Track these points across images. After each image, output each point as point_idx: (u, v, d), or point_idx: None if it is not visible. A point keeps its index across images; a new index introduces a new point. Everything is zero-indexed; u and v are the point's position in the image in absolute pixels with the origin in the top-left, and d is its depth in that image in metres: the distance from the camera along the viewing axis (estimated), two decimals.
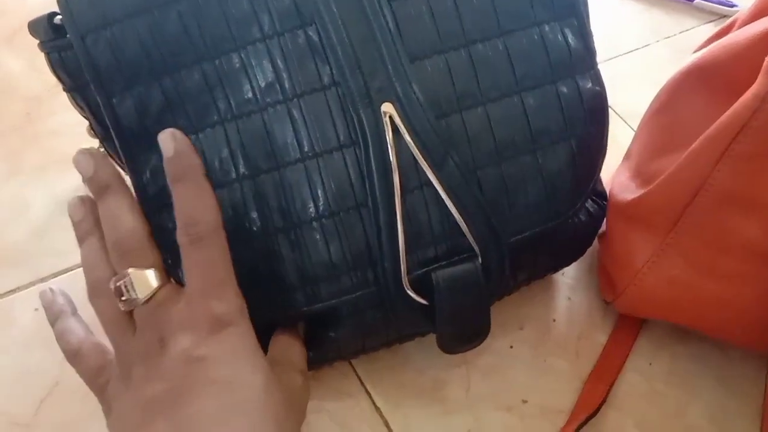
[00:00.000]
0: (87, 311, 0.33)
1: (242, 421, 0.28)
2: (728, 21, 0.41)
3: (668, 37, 0.63)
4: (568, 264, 0.43)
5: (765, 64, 0.32)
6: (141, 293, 0.31)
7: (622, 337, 0.42)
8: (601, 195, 0.42)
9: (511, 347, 0.41)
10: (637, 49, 0.62)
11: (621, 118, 0.54)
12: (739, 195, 0.34)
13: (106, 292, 0.31)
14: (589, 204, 0.41)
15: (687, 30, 0.64)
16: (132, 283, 0.31)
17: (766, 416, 0.37)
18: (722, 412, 0.40)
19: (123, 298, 0.31)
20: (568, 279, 0.45)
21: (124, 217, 0.32)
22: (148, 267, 0.31)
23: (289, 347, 0.35)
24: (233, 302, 0.31)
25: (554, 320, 0.43)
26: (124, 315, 0.31)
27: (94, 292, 0.32)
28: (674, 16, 0.66)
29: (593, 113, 0.36)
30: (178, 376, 0.29)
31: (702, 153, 0.34)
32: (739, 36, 0.36)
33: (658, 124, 0.40)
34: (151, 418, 0.28)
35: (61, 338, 0.34)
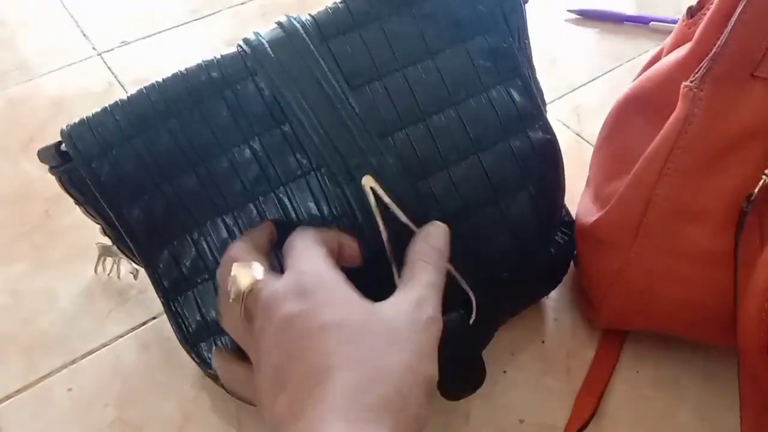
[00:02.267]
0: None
1: (357, 356, 0.28)
2: (657, 49, 0.45)
3: (629, 60, 0.67)
4: (547, 293, 0.47)
5: (681, 89, 0.36)
6: (243, 284, 0.32)
7: (608, 350, 0.46)
8: (569, 225, 0.45)
9: (505, 372, 0.45)
10: (600, 75, 0.65)
11: (590, 144, 0.58)
12: (681, 207, 0.37)
13: (224, 297, 0.34)
14: (558, 236, 0.44)
15: (646, 52, 0.67)
16: (236, 277, 0.32)
17: (743, 407, 0.40)
18: (711, 409, 0.44)
19: (232, 296, 0.33)
20: (553, 301, 0.49)
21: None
22: (249, 264, 0.33)
23: (419, 263, 0.35)
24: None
25: (543, 342, 0.47)
26: (243, 318, 0.33)
27: (221, 306, 0.35)
28: (633, 40, 0.70)
29: (546, 160, 0.40)
30: (284, 342, 0.29)
31: (644, 173, 0.38)
32: (663, 64, 0.40)
33: (608, 150, 0.44)
34: (279, 386, 0.29)
35: None
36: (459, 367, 0.39)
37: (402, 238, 0.36)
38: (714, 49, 0.34)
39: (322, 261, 0.33)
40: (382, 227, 0.36)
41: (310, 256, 0.33)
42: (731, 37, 0.34)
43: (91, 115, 0.36)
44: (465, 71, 0.38)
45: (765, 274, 0.34)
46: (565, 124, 0.62)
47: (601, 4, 0.74)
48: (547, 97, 0.64)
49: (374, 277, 0.36)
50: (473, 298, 0.38)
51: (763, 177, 0.35)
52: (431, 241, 0.35)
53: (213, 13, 0.75)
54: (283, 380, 0.28)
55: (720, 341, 0.42)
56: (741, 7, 0.33)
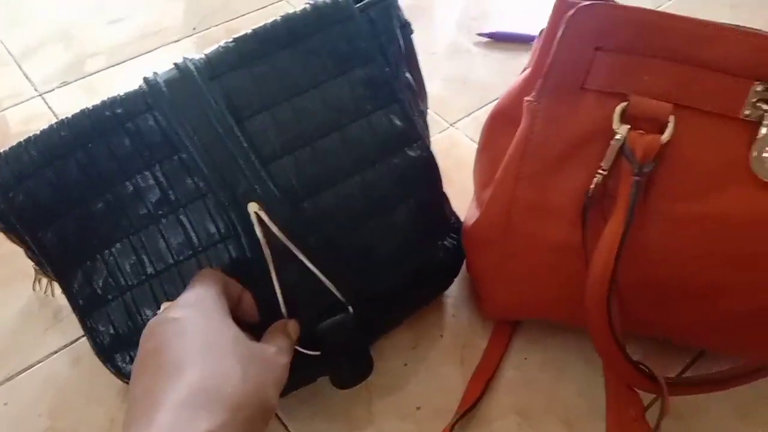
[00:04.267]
0: None
1: (211, 360, 0.33)
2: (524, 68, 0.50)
3: None
4: (441, 292, 0.52)
5: (524, 103, 0.41)
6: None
7: (498, 339, 0.51)
8: (457, 231, 0.51)
9: (406, 365, 0.50)
10: None
11: None
12: (538, 206, 0.43)
13: None
14: (447, 241, 0.50)
15: None
16: None
17: (606, 383, 0.45)
18: (592, 387, 0.49)
19: None
20: (452, 298, 0.54)
21: None
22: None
23: (277, 331, 0.40)
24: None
25: (441, 336, 0.52)
26: None
27: None
28: None
29: (424, 175, 0.45)
30: (157, 334, 0.34)
31: (503, 178, 0.43)
32: (516, 81, 0.46)
33: (483, 160, 0.49)
34: (142, 370, 0.34)
35: None
36: (348, 361, 0.43)
37: (285, 259, 0.41)
38: (545, 68, 0.40)
39: (212, 290, 0.38)
40: (266, 250, 0.41)
41: (203, 284, 0.38)
42: (556, 56, 0.39)
43: (8, 149, 0.41)
44: (347, 99, 0.43)
45: (601, 261, 0.39)
46: (472, 140, 0.68)
47: (510, 28, 0.80)
48: (457, 116, 0.71)
49: (260, 299, 0.41)
50: (350, 308, 0.43)
51: (597, 175, 0.40)
52: (289, 328, 0.41)
53: (150, 51, 0.80)
54: (145, 368, 0.33)
55: (580, 323, 0.47)
56: (561, 30, 0.39)
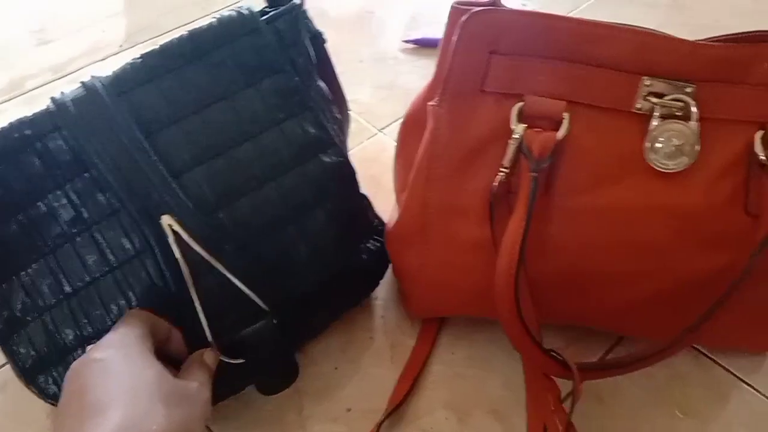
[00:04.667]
0: None
1: (135, 400, 0.33)
2: None
3: None
4: (367, 294, 0.53)
5: (428, 108, 0.43)
6: None
7: (425, 337, 0.52)
8: (381, 233, 0.52)
9: (336, 368, 0.51)
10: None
11: None
12: (449, 205, 0.44)
13: None
14: (370, 244, 0.51)
15: None
16: None
17: (525, 371, 0.47)
18: (516, 379, 0.50)
19: None
20: (381, 301, 0.55)
21: None
22: None
23: (195, 363, 0.41)
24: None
25: (371, 338, 0.53)
26: None
27: None
28: None
29: (340, 179, 0.46)
30: (81, 375, 0.35)
31: (416, 180, 0.45)
32: (423, 87, 0.47)
33: (399, 164, 0.51)
34: (66, 412, 0.34)
35: None
36: (272, 367, 0.44)
37: (202, 269, 0.41)
38: (445, 73, 0.41)
39: (136, 330, 0.38)
40: (182, 261, 0.41)
41: (127, 324, 0.39)
42: (453, 61, 0.41)
43: None
44: (258, 109, 0.44)
45: (506, 254, 0.41)
46: None
47: (436, 34, 0.82)
48: (386, 121, 0.72)
49: (177, 312, 0.41)
50: (272, 314, 0.43)
51: (500, 173, 0.42)
52: (206, 358, 0.41)
53: (75, 71, 0.79)
54: (69, 410, 0.34)
55: (494, 314, 0.48)
56: (456, 36, 0.40)
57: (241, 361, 0.43)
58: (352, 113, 0.72)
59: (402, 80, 0.77)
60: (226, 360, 0.42)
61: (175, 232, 0.41)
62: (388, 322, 0.54)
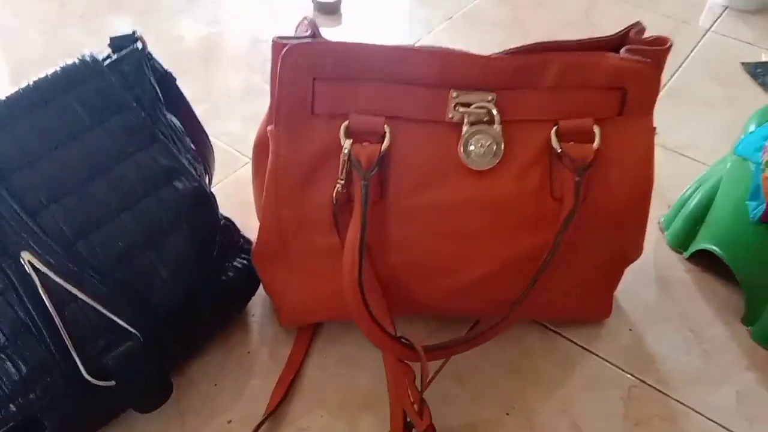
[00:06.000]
0: None
1: None
2: None
3: None
4: (240, 310, 0.56)
5: (268, 131, 0.47)
6: None
7: (300, 345, 0.56)
8: (247, 251, 0.55)
9: (216, 385, 0.54)
10: None
11: None
12: (300, 219, 0.49)
13: None
14: (237, 262, 0.54)
15: None
16: None
17: (385, 364, 0.51)
18: (383, 372, 0.54)
19: None
20: (257, 317, 0.59)
21: None
22: None
23: None
24: None
25: (249, 352, 0.56)
26: None
27: None
28: None
29: (195, 203, 0.49)
30: None
31: (267, 199, 0.49)
32: (264, 116, 0.52)
33: (256, 187, 0.55)
34: None
35: None
36: (143, 386, 0.47)
37: (64, 299, 0.44)
38: (276, 100, 0.46)
39: None
40: (44, 295, 0.43)
41: None
42: (279, 90, 0.46)
43: None
44: (108, 145, 0.47)
45: (349, 256, 0.46)
46: None
47: None
48: None
49: (41, 340, 0.43)
50: (138, 333, 0.46)
51: (337, 185, 0.47)
52: None
53: None
54: None
55: (351, 316, 0.52)
56: (279, 67, 0.45)
57: (112, 383, 0.45)
58: (224, 144, 0.77)
59: None
60: (97, 383, 0.45)
61: (35, 268, 0.43)
62: (265, 336, 0.57)
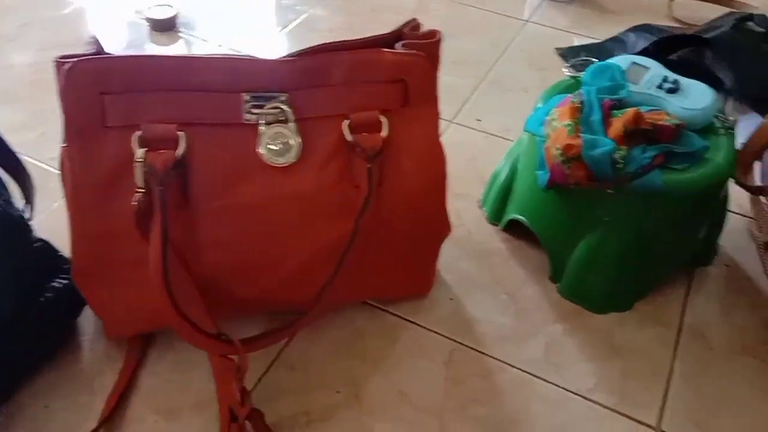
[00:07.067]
0: None
1: None
2: None
3: None
4: (65, 329, 0.57)
5: (61, 150, 0.48)
6: None
7: (131, 355, 0.57)
8: (67, 271, 0.56)
9: (47, 406, 0.53)
10: None
11: None
12: (108, 232, 0.49)
13: None
14: (56, 283, 0.54)
15: None
16: None
17: (211, 362, 0.53)
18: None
19: None
20: (88, 336, 0.59)
21: None
22: None
23: None
24: None
25: (81, 369, 0.56)
26: None
27: None
28: None
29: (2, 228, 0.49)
30: None
31: (73, 216, 0.49)
32: None
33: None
34: None
35: None
36: None
37: None
38: (63, 117, 0.47)
39: None
40: None
41: None
42: (65, 106, 0.47)
43: None
44: None
45: (153, 261, 0.47)
46: None
47: None
48: None
49: None
50: None
51: (136, 194, 0.48)
52: None
53: None
54: None
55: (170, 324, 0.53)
56: (62, 83, 0.46)
57: None
58: (57, 169, 0.76)
59: None
60: None
61: None
62: (97, 353, 0.58)
